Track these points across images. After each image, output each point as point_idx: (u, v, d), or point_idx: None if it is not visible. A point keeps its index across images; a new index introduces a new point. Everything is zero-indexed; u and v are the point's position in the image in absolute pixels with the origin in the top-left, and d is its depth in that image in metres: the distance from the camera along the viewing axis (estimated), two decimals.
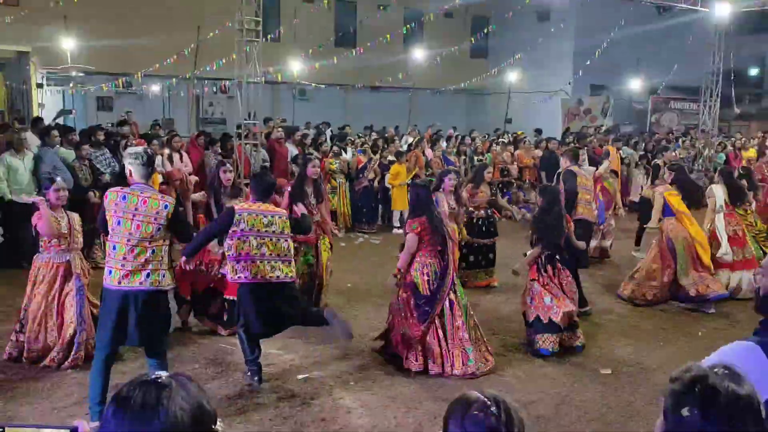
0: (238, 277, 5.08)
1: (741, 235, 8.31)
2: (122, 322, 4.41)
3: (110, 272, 4.42)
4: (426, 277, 5.63)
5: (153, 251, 4.44)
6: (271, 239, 5.12)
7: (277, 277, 5.12)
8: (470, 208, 8.37)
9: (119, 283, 4.38)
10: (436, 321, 5.60)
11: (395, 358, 5.80)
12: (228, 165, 6.79)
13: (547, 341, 6.02)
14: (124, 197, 4.39)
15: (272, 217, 5.17)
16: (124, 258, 4.37)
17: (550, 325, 5.97)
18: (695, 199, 8.15)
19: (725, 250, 8.06)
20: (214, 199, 6.54)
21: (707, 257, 7.72)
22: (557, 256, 6.24)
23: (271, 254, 5.10)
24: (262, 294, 5.10)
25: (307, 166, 7.19)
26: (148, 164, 4.52)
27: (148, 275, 4.41)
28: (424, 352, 5.58)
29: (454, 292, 5.73)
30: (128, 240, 4.37)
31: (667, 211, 7.82)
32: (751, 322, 2.23)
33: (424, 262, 5.67)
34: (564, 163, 7.95)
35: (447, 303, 5.64)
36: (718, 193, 8.31)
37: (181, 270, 6.06)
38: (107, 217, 4.42)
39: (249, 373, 5.33)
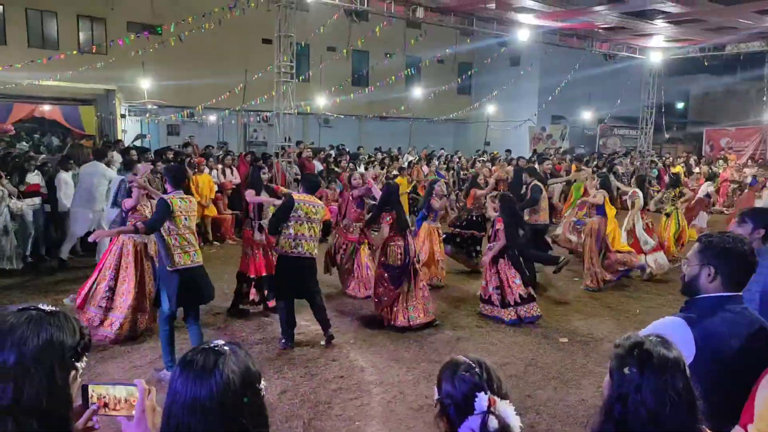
0: (292, 252, 5.16)
1: (651, 227, 8.45)
2: (188, 291, 4.61)
3: (181, 256, 4.56)
4: (399, 255, 5.91)
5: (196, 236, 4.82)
6: (316, 224, 5.27)
7: (314, 253, 5.30)
8: (470, 208, 8.48)
9: (192, 262, 4.61)
10: (404, 286, 5.90)
11: (390, 326, 5.92)
12: (265, 168, 6.76)
13: (503, 313, 6.18)
14: (180, 200, 4.64)
15: (317, 207, 5.33)
16: (193, 244, 4.68)
17: (501, 302, 6.19)
18: (612, 199, 8.21)
19: (650, 242, 8.18)
20: (256, 193, 6.24)
21: (621, 246, 7.85)
22: (511, 252, 6.28)
23: (313, 236, 5.25)
24: (302, 265, 5.23)
25: (350, 180, 7.51)
26: (182, 177, 4.85)
27: (198, 253, 4.75)
28: (398, 309, 5.87)
29: (418, 262, 6.16)
30: (193, 230, 4.71)
31: (600, 210, 7.72)
32: (677, 302, 2.22)
33: (396, 243, 5.95)
34: (527, 178, 7.88)
35: (412, 271, 5.97)
36: (641, 195, 8.34)
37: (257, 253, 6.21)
38: (177, 217, 4.54)
39: (284, 341, 5.35)
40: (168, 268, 4.56)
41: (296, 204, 5.20)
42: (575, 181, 10.31)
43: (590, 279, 7.67)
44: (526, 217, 7.37)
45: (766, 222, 2.98)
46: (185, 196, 4.73)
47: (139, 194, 5.40)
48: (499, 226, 6.27)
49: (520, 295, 6.15)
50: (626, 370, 1.51)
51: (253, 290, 6.34)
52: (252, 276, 6.26)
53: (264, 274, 6.26)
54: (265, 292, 6.40)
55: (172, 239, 4.54)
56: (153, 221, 4.60)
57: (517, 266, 6.28)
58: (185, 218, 4.63)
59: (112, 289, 5.41)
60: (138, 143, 15.85)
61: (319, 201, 5.48)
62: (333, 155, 15.02)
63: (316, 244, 5.34)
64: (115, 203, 7.17)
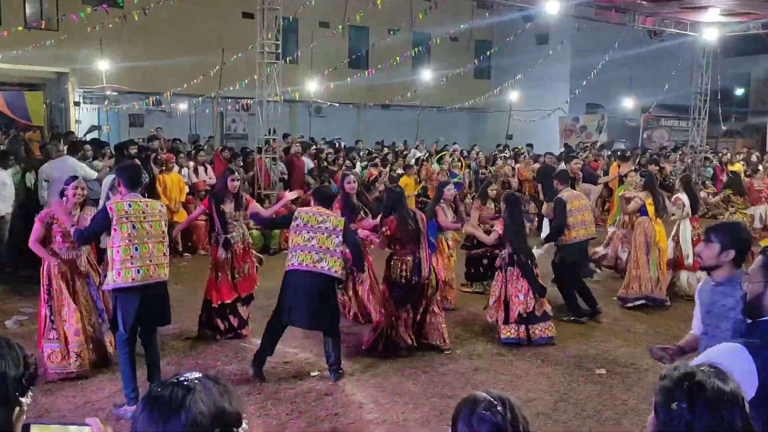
0: (290, 264, 5.27)
1: (701, 238, 8.37)
2: (145, 311, 4.68)
3: (138, 271, 4.60)
4: (403, 273, 5.88)
5: (167, 246, 4.85)
6: (323, 234, 5.27)
7: (322, 267, 5.22)
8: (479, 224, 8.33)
9: (142, 279, 4.63)
10: (410, 308, 5.93)
11: (392, 349, 5.94)
12: (236, 174, 6.59)
13: (503, 330, 6.29)
14: (129, 205, 4.66)
15: (327, 216, 5.37)
16: (151, 254, 4.67)
17: (505, 318, 6.31)
18: (659, 207, 8.02)
19: (689, 255, 8.16)
20: (216, 203, 6.25)
21: (663, 260, 7.93)
22: (519, 258, 6.35)
23: (320, 247, 5.24)
24: (303, 281, 5.22)
25: (343, 183, 7.04)
26: (138, 178, 4.94)
27: (167, 266, 4.83)
28: (399, 333, 5.90)
29: (429, 282, 6.04)
30: (147, 239, 4.67)
31: (643, 210, 7.85)
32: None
33: (402, 259, 5.93)
34: (557, 185, 7.72)
35: (420, 294, 5.94)
36: (685, 200, 8.32)
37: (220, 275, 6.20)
38: (122, 224, 4.58)
39: (252, 364, 5.36)
40: (105, 285, 4.75)
41: (296, 213, 5.41)
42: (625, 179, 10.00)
43: (626, 288, 7.73)
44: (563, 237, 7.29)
45: (736, 240, 2.89)
46: (142, 199, 4.82)
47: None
48: (498, 228, 6.45)
49: (519, 313, 6.23)
50: (674, 406, 1.52)
51: (218, 319, 6.31)
52: (215, 304, 6.23)
53: (228, 300, 6.23)
54: (245, 315, 6.40)
55: (113, 252, 4.59)
56: (87, 231, 4.80)
57: (528, 277, 6.31)
58: (132, 225, 4.63)
59: (51, 319, 5.28)
60: (95, 135, 15.90)
61: (331, 212, 5.54)
62: (326, 151, 15.05)
63: (327, 258, 5.21)
64: None
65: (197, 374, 1.47)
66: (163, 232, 4.81)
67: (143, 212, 4.69)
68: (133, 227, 4.63)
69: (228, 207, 6.28)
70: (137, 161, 9.18)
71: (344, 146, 17.29)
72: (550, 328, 6.31)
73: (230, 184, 6.31)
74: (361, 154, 14.90)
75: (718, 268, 2.91)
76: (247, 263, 6.40)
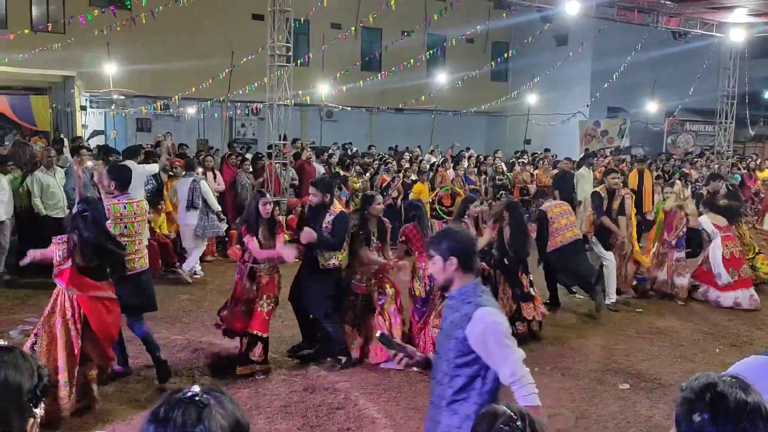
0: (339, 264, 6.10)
1: (738, 255, 8.39)
2: (130, 298, 5.35)
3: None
4: (424, 281, 6.11)
5: (143, 242, 5.67)
6: None
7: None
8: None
9: (132, 269, 5.40)
10: (431, 321, 6.06)
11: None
12: (268, 196, 5.84)
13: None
14: (125, 207, 5.41)
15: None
16: (135, 250, 5.46)
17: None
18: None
19: (724, 277, 8.22)
20: (250, 232, 5.65)
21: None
22: (508, 263, 6.77)
23: None
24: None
25: (372, 204, 6.17)
26: (128, 180, 5.69)
27: (143, 257, 5.59)
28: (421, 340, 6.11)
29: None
30: (134, 237, 5.46)
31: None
32: (766, 339, 2.23)
33: (422, 267, 6.12)
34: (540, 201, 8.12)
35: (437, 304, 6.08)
36: (706, 222, 8.45)
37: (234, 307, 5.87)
38: (111, 224, 5.26)
39: (345, 359, 5.98)
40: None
41: (353, 219, 6.00)
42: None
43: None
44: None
45: (455, 246, 2.76)
46: (134, 200, 5.56)
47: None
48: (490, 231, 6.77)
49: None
50: (696, 417, 1.53)
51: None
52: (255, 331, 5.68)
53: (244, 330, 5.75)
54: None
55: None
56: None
57: (512, 282, 6.72)
58: (125, 226, 5.38)
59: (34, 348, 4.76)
60: (101, 141, 16.07)
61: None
62: (340, 156, 15.08)
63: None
64: (192, 206, 8.98)
65: (197, 388, 1.45)
66: (143, 230, 5.69)
67: (134, 213, 5.48)
68: (125, 227, 5.39)
69: (261, 235, 5.68)
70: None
71: (357, 151, 17.36)
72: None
73: (262, 209, 5.67)
74: (374, 161, 14.88)
75: (453, 282, 2.80)
76: (266, 297, 5.73)
